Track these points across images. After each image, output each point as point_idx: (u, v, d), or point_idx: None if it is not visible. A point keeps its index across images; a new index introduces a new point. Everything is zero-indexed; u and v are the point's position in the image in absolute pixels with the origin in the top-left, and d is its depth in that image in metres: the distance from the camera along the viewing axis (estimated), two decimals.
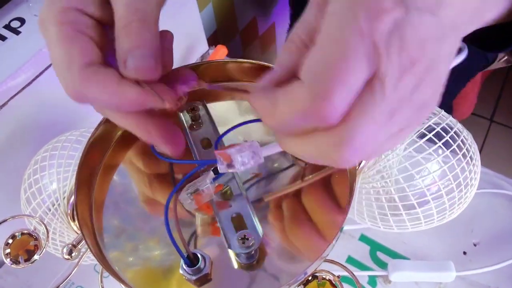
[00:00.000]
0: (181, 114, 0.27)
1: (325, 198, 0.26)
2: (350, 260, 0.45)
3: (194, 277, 0.21)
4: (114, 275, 0.23)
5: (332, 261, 0.29)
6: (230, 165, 0.19)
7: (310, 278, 0.28)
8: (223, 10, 0.99)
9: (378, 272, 0.43)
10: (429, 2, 0.16)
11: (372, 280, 0.43)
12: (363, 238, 0.46)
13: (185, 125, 0.27)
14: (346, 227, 0.46)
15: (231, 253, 0.22)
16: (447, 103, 0.66)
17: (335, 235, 0.23)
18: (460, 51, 0.27)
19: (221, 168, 0.19)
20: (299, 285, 0.27)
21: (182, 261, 0.21)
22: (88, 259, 0.40)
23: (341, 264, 0.29)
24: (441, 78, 0.19)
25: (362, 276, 0.43)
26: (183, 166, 0.26)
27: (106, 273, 0.47)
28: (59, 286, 0.36)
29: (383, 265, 0.44)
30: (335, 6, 0.16)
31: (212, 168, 0.23)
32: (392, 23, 0.15)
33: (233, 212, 0.23)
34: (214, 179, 0.22)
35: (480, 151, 1.19)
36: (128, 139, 0.30)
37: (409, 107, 0.17)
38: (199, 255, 0.21)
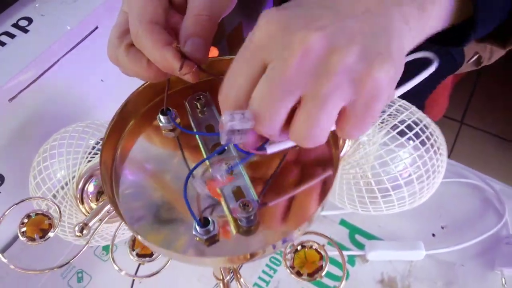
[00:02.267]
0: (187, 103, 0.31)
1: (312, 173, 0.30)
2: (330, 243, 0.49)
3: (205, 237, 0.25)
4: (124, 221, 0.26)
5: (316, 233, 0.34)
6: (224, 131, 0.22)
7: (299, 247, 0.32)
8: None
9: (356, 252, 0.48)
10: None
11: (351, 260, 0.48)
12: (343, 223, 0.50)
13: (190, 112, 0.31)
14: (327, 213, 0.51)
15: (233, 219, 0.26)
16: (418, 104, 0.72)
17: (320, 203, 0.27)
18: (431, 62, 0.32)
19: (222, 138, 0.23)
20: (290, 253, 0.32)
21: (195, 224, 0.25)
22: (94, 240, 0.43)
23: (326, 236, 0.33)
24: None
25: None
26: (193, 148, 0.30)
27: (106, 257, 0.51)
28: (62, 266, 0.39)
29: (361, 246, 0.48)
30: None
31: (225, 161, 0.27)
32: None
33: (234, 186, 0.27)
34: (230, 169, 0.26)
35: (451, 152, 1.27)
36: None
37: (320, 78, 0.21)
38: (209, 219, 0.25)
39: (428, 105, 1.25)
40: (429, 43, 0.28)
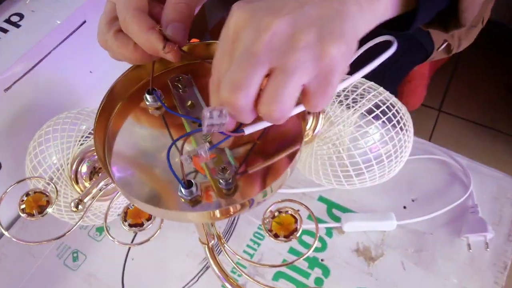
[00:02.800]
0: (169, 81, 0.34)
1: (284, 145, 0.33)
2: (310, 217, 0.53)
3: (189, 198, 0.28)
4: (112, 180, 0.29)
5: (291, 200, 0.37)
6: (204, 125, 0.26)
7: (276, 213, 0.35)
8: None
9: (333, 224, 0.51)
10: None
11: (329, 232, 0.51)
12: (321, 199, 0.54)
13: (173, 90, 0.34)
14: (306, 190, 0.54)
15: (214, 184, 0.29)
16: (392, 90, 0.76)
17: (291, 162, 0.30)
18: (390, 45, 0.35)
19: (203, 129, 0.26)
20: (268, 218, 0.35)
21: (180, 186, 0.28)
22: (88, 219, 0.46)
23: (300, 202, 0.37)
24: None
25: (320, 228, 0.52)
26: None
27: (99, 237, 0.54)
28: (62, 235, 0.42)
29: (337, 220, 0.52)
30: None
31: (208, 140, 0.30)
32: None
33: (217, 161, 0.30)
34: (210, 148, 0.29)
35: (430, 138, 1.32)
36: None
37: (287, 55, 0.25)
38: (192, 181, 0.28)
39: (407, 94, 1.29)
40: (383, 29, 0.32)
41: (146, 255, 0.51)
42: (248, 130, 0.28)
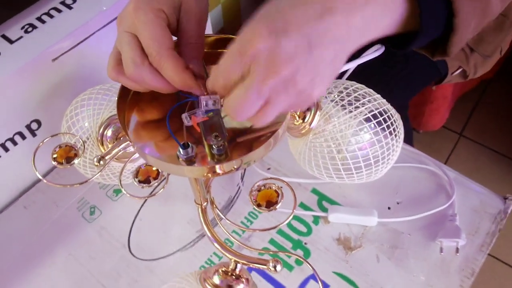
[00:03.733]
0: None
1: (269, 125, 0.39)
2: (302, 204, 0.58)
3: (185, 157, 0.34)
4: (127, 135, 0.37)
5: (275, 178, 0.43)
6: (201, 110, 0.33)
7: (262, 188, 0.42)
8: (231, 10, 1.14)
9: (321, 214, 0.57)
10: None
11: (316, 220, 0.57)
12: (314, 191, 0.60)
13: None
14: (302, 181, 0.60)
15: (208, 150, 0.36)
16: (402, 103, 0.80)
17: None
18: (377, 49, 0.41)
19: (200, 112, 0.33)
20: (255, 191, 0.41)
21: (179, 147, 0.34)
22: (107, 177, 0.53)
23: (282, 180, 0.42)
24: (314, 76, 0.30)
25: (309, 215, 0.57)
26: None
27: (115, 197, 0.61)
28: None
29: (325, 210, 0.57)
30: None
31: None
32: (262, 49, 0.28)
33: (211, 124, 0.36)
34: (206, 113, 0.36)
35: (447, 160, 1.34)
36: None
37: (283, 94, 0.30)
38: (189, 144, 0.35)
39: (428, 114, 1.33)
40: (382, 44, 0.37)
41: (152, 218, 0.59)
42: None
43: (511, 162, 1.32)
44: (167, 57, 0.32)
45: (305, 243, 0.55)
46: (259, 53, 0.29)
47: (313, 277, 0.53)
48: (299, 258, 0.44)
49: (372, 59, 0.47)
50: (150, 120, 0.40)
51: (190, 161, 0.36)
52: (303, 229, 0.56)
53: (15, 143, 0.56)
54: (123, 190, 0.44)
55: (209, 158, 0.36)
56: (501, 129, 1.38)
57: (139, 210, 0.59)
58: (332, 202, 0.58)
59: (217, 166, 0.35)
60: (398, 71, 0.75)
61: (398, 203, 0.58)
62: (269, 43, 0.29)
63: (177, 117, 0.36)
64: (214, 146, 0.35)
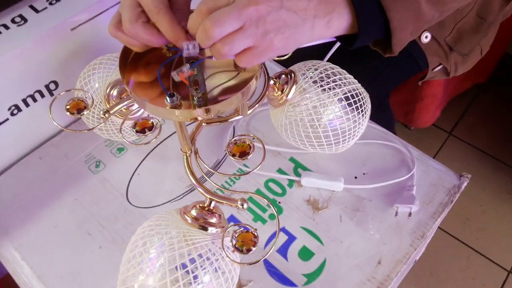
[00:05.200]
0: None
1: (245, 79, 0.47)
2: (280, 170, 0.66)
3: (170, 104, 0.43)
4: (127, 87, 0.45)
5: (247, 135, 0.51)
6: (184, 54, 0.41)
7: (237, 142, 0.50)
8: None
9: (295, 178, 0.65)
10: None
11: (290, 183, 0.65)
12: (291, 159, 0.68)
13: None
14: (281, 150, 0.68)
15: (191, 98, 0.44)
16: (384, 92, 0.87)
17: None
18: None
19: (184, 52, 0.41)
20: (230, 144, 0.49)
21: (167, 96, 0.43)
22: (112, 132, 0.62)
23: (254, 136, 0.51)
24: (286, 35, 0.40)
25: (284, 179, 0.65)
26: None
27: (119, 154, 0.70)
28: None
29: (299, 176, 0.65)
30: None
31: (190, 62, 0.45)
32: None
33: (194, 80, 0.44)
34: (190, 67, 0.44)
35: (435, 156, 1.41)
36: None
37: (254, 27, 0.38)
38: (174, 93, 0.43)
39: (418, 111, 1.40)
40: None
41: (148, 174, 0.67)
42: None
43: (497, 162, 1.39)
44: (164, 12, 0.40)
45: (279, 202, 0.63)
46: None
47: (283, 230, 0.61)
48: (269, 203, 0.52)
49: (355, 51, 0.56)
50: (145, 82, 0.48)
51: (175, 107, 0.44)
52: (279, 190, 0.65)
53: (34, 100, 0.65)
54: (123, 138, 0.53)
55: (191, 107, 0.44)
56: (490, 131, 1.45)
57: (137, 167, 0.68)
58: (306, 169, 0.66)
59: (196, 110, 0.43)
60: (379, 63, 0.83)
61: (364, 174, 0.66)
62: None
63: (166, 77, 0.44)
64: (195, 98, 0.44)
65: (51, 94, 0.66)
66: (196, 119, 0.45)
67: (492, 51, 1.03)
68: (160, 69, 0.45)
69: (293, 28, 0.40)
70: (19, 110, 0.64)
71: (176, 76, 0.43)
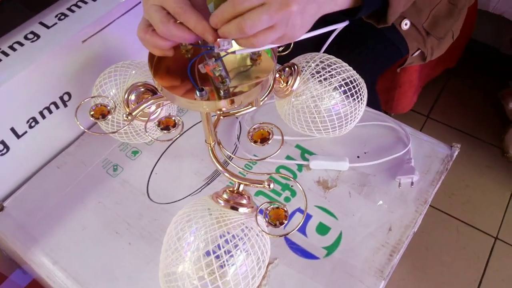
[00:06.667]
0: None
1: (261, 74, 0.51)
2: (288, 157, 0.72)
3: (200, 98, 0.47)
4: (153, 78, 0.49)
5: (268, 123, 0.56)
6: (219, 49, 0.45)
7: (256, 129, 0.55)
8: None
9: (303, 162, 0.70)
10: None
11: (300, 167, 0.70)
12: (298, 146, 0.73)
13: None
14: (287, 138, 0.73)
15: (216, 92, 0.48)
16: (371, 79, 0.94)
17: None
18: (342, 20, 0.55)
19: (216, 48, 0.45)
20: (251, 132, 0.54)
21: (196, 90, 0.47)
22: (131, 135, 0.66)
23: (274, 124, 0.56)
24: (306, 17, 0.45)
25: (293, 164, 0.70)
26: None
27: (134, 157, 0.73)
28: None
29: (307, 160, 0.70)
30: None
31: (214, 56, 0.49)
32: None
33: (220, 71, 0.49)
34: (215, 61, 0.48)
35: None
36: None
37: (284, 25, 0.43)
38: (203, 88, 0.47)
39: (397, 98, 1.48)
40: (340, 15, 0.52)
41: (166, 172, 0.71)
42: (238, 52, 0.47)
43: (474, 139, 1.48)
44: (191, 11, 0.43)
45: (291, 186, 0.68)
46: None
47: (299, 210, 0.66)
48: (288, 177, 0.57)
49: (345, 36, 0.62)
50: (169, 84, 0.52)
51: (205, 99, 0.48)
52: (290, 175, 0.70)
53: (50, 112, 0.68)
54: (149, 136, 0.57)
55: (217, 99, 0.49)
56: (463, 111, 1.54)
57: (154, 166, 0.71)
58: (312, 154, 0.72)
59: (224, 101, 0.47)
60: (367, 52, 0.90)
61: (365, 153, 0.72)
62: None
63: (187, 77, 0.49)
64: (221, 90, 0.48)
65: (65, 105, 0.69)
66: (220, 109, 0.50)
67: (460, 37, 1.12)
68: (190, 66, 0.49)
69: (311, 18, 0.46)
70: (37, 122, 0.67)
71: (202, 68, 0.47)
